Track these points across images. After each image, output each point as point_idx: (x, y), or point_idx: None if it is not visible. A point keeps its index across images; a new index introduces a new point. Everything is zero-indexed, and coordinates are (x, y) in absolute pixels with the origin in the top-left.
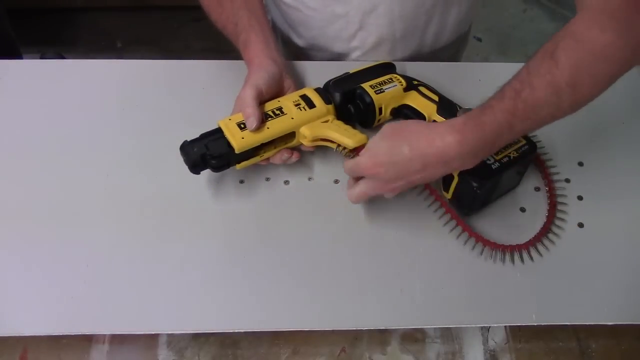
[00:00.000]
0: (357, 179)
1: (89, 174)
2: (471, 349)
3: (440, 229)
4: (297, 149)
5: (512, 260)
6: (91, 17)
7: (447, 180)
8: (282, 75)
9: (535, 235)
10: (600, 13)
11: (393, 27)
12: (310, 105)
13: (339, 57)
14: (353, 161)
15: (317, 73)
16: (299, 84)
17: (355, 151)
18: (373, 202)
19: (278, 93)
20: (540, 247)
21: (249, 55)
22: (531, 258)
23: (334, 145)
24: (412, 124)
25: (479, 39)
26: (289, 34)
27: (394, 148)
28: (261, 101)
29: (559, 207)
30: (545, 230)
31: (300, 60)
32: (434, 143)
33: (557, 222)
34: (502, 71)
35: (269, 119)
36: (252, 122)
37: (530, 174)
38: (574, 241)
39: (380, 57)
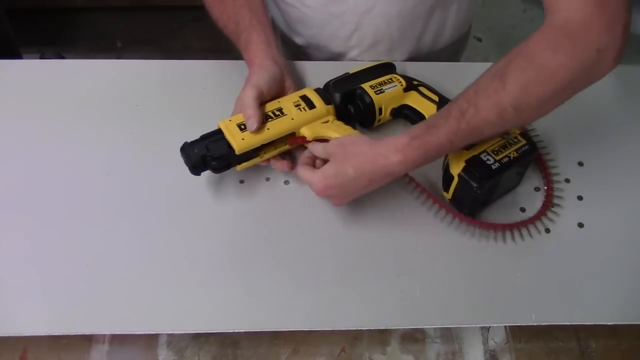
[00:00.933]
0: (313, 162)
1: (89, 174)
2: (471, 349)
3: (440, 229)
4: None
5: (504, 240)
6: (91, 17)
7: (447, 180)
8: (283, 76)
9: (528, 218)
10: (559, 31)
11: (390, 28)
12: (311, 105)
13: (337, 56)
14: (308, 176)
15: (317, 73)
16: (299, 84)
17: None
18: (373, 204)
19: (279, 93)
20: (540, 247)
21: (250, 55)
22: (512, 239)
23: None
24: (356, 144)
25: (479, 39)
26: (288, 32)
27: (340, 170)
28: (262, 102)
29: (555, 192)
30: (540, 214)
31: (300, 59)
32: (377, 163)
33: (550, 214)
34: None
35: (269, 119)
36: (252, 123)
37: (530, 174)
38: (574, 241)
39: (378, 57)
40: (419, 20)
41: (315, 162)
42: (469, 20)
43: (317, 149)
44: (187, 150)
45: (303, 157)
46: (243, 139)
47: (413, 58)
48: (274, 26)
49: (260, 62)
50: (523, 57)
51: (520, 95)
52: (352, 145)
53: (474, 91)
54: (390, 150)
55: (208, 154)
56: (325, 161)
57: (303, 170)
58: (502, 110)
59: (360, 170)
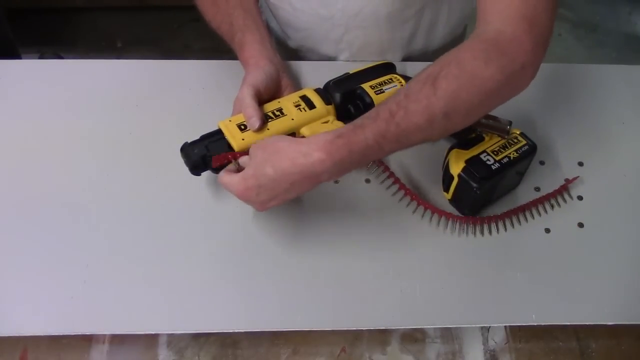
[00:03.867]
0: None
1: (89, 174)
2: (471, 349)
3: (440, 229)
4: None
5: (482, 233)
6: (91, 17)
7: (447, 180)
8: (279, 75)
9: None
10: (490, 43)
11: (380, 30)
12: (311, 106)
13: (328, 59)
14: (227, 179)
15: (316, 73)
16: (297, 83)
17: None
18: (373, 202)
19: (276, 92)
20: (540, 247)
21: (245, 55)
22: (486, 232)
23: None
24: (276, 142)
25: None
26: (282, 36)
27: (258, 170)
28: (260, 101)
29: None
30: (518, 210)
31: (291, 60)
32: (296, 162)
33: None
34: None
35: (269, 120)
36: (254, 122)
37: (531, 174)
38: (574, 241)
39: (370, 59)
40: (408, 22)
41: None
42: (463, 20)
43: (243, 158)
44: (187, 150)
45: (229, 166)
46: (243, 139)
47: (405, 59)
48: (268, 29)
49: (256, 62)
50: (455, 64)
51: (450, 101)
52: (272, 144)
53: (405, 95)
54: (311, 147)
55: (208, 154)
56: None
57: (223, 175)
58: (432, 115)
59: (279, 170)
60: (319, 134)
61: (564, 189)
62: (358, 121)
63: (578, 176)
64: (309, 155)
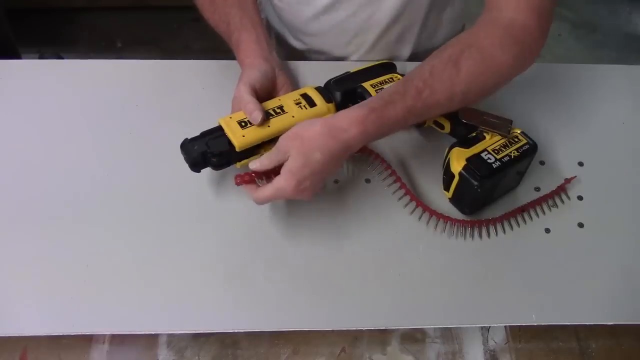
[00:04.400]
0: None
1: (89, 174)
2: (471, 349)
3: (440, 229)
4: None
5: (480, 235)
6: (91, 17)
7: (447, 179)
8: (275, 73)
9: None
10: (505, 31)
11: (389, 32)
12: (311, 104)
13: (337, 60)
14: (272, 188)
15: (317, 73)
16: (297, 83)
17: (359, 151)
18: (374, 202)
19: (272, 91)
20: (540, 247)
21: (241, 55)
22: (485, 235)
23: None
24: (310, 127)
25: None
26: (283, 33)
27: (307, 159)
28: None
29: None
30: (515, 212)
31: (296, 60)
32: (339, 138)
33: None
34: None
35: (270, 117)
36: (257, 116)
37: (531, 174)
38: (574, 241)
39: (377, 59)
40: (417, 21)
41: (268, 179)
42: (461, 20)
43: (263, 161)
44: (187, 147)
45: (250, 184)
46: (243, 136)
47: (411, 58)
48: (269, 27)
49: (251, 62)
50: (475, 49)
51: (470, 82)
52: (306, 130)
53: (429, 72)
54: (350, 123)
55: (208, 151)
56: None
57: (262, 190)
58: (453, 94)
59: (327, 151)
60: (347, 109)
61: (562, 189)
62: (386, 96)
63: (575, 176)
64: (348, 130)
